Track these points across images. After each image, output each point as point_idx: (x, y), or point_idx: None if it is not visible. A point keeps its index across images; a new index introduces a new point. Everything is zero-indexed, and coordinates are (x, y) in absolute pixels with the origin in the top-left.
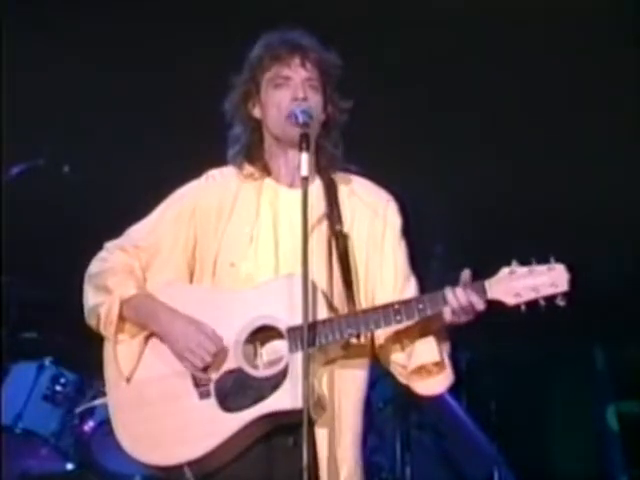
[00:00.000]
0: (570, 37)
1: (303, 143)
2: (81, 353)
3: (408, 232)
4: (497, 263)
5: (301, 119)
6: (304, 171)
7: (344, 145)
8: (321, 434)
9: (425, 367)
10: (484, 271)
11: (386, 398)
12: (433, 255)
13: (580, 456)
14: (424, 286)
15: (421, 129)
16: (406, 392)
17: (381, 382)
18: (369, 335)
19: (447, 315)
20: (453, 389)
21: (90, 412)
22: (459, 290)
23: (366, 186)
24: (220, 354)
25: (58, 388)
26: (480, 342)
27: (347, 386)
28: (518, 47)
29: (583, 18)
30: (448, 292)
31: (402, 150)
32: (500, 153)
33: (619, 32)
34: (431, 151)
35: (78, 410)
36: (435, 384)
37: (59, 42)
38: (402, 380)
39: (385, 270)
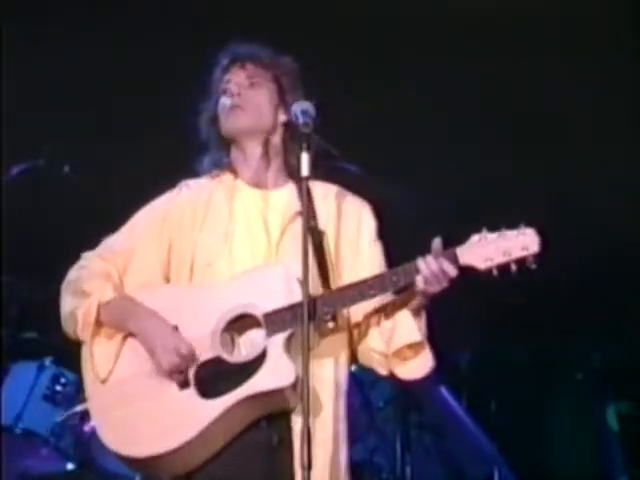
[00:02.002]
0: (570, 38)
1: (304, 143)
2: (81, 353)
3: (383, 236)
4: None
5: (301, 119)
6: (304, 172)
7: (343, 145)
8: (298, 421)
9: (405, 349)
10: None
11: (386, 398)
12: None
13: (580, 456)
14: None
15: (421, 129)
16: (406, 392)
17: (381, 382)
18: (346, 322)
19: (420, 284)
20: (453, 389)
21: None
22: (430, 258)
23: (340, 191)
24: (197, 346)
25: (58, 388)
26: (480, 342)
27: (323, 372)
28: (518, 48)
29: (583, 18)
30: (420, 261)
31: (402, 150)
32: (500, 153)
33: (619, 33)
34: (431, 151)
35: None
36: (417, 367)
37: (59, 42)
38: (382, 370)
39: (360, 270)
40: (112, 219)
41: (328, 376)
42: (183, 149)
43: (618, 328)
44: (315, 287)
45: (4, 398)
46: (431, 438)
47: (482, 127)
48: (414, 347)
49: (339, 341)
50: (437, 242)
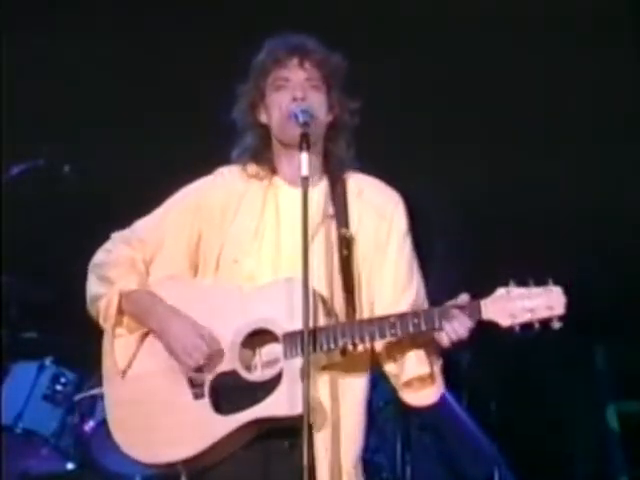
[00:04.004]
0: (570, 38)
1: (303, 143)
2: (81, 352)
3: (414, 233)
4: (496, 264)
5: (301, 119)
6: (304, 171)
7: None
8: (319, 440)
9: (416, 379)
10: (483, 271)
11: (387, 398)
12: (433, 254)
13: (580, 456)
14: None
15: (422, 128)
16: None
17: (382, 382)
18: (369, 345)
19: (445, 342)
20: (453, 389)
21: (90, 412)
22: (454, 317)
23: (376, 186)
24: (216, 355)
25: (58, 388)
26: (480, 342)
27: (345, 392)
28: (520, 48)
29: (583, 18)
30: (444, 321)
31: (403, 149)
32: (501, 153)
33: (619, 33)
34: (432, 150)
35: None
36: (425, 396)
37: (59, 42)
38: (397, 388)
39: (386, 275)
40: (112, 219)
41: (349, 396)
42: (184, 149)
43: (621, 327)
44: (338, 298)
45: (4, 398)
46: (431, 438)
47: (483, 128)
48: (423, 378)
49: (361, 359)
50: (463, 299)
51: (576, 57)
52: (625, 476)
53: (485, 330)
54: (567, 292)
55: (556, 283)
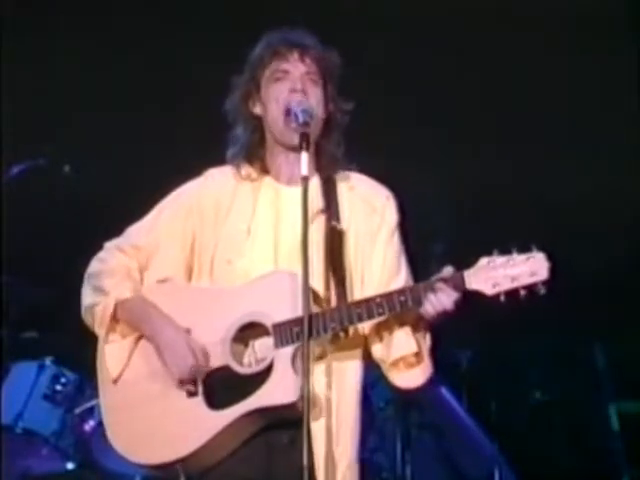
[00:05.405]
0: (569, 37)
1: (303, 142)
2: (81, 353)
3: (405, 228)
4: None
5: (301, 118)
6: (304, 170)
7: (345, 144)
8: (317, 431)
9: (403, 359)
10: None
11: (387, 398)
12: (432, 255)
13: (580, 456)
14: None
15: (421, 128)
16: (406, 392)
17: (381, 382)
18: (359, 330)
19: (430, 310)
20: (453, 389)
21: (90, 412)
22: (437, 286)
23: (365, 182)
24: (208, 352)
25: (58, 387)
26: (480, 341)
27: (339, 380)
28: (520, 47)
29: (582, 18)
30: (429, 292)
31: (402, 149)
32: (501, 153)
33: (618, 32)
34: (431, 150)
35: (77, 411)
36: (412, 377)
37: (59, 42)
38: (386, 374)
39: (374, 267)
40: (112, 219)
41: (344, 384)
42: (184, 148)
43: (621, 327)
44: (331, 294)
45: (4, 398)
46: (431, 438)
47: (483, 128)
48: (411, 357)
49: (353, 347)
50: (448, 271)
51: (574, 56)
52: (626, 476)
53: (486, 330)
54: (567, 292)
55: (556, 282)
